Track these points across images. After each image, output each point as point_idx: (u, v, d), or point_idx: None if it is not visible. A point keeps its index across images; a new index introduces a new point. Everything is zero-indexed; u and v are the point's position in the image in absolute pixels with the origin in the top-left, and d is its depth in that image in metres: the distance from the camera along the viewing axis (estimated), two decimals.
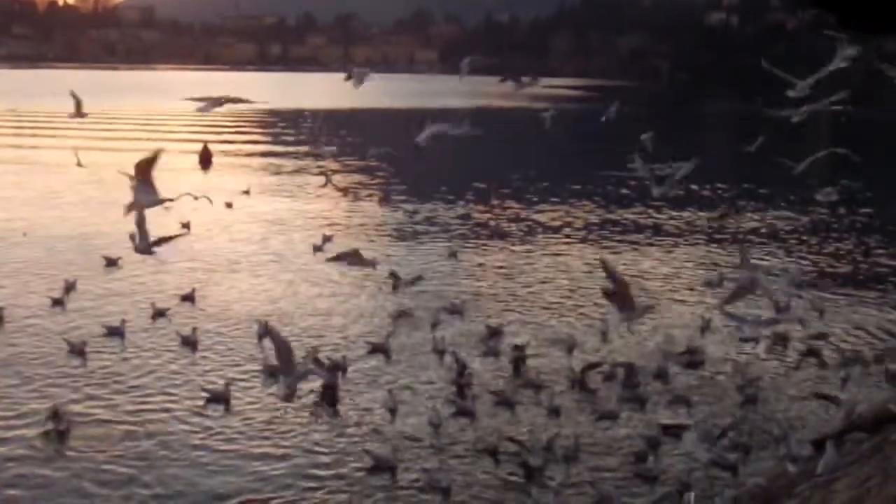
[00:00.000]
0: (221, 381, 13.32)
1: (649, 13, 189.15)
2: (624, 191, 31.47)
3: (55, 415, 11.94)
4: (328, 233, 23.13)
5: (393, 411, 12.70)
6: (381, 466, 11.09)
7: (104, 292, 18.09)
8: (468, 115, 15.86)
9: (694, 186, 30.50)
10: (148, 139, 45.33)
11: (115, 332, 15.44)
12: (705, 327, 16.08)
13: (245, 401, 12.97)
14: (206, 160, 38.85)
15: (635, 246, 23.56)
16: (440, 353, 14.85)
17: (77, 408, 12.48)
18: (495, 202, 28.77)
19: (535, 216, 27.37)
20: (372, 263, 12.92)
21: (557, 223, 26.37)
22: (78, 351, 14.58)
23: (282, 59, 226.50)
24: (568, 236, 24.59)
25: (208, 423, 12.29)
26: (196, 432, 12.01)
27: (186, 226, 22.41)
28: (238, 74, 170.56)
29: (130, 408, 12.64)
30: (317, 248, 21.91)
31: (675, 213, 27.79)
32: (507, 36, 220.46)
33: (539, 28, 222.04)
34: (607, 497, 10.43)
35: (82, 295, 17.72)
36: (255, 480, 10.80)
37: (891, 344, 15.61)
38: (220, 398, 12.93)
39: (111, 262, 20.03)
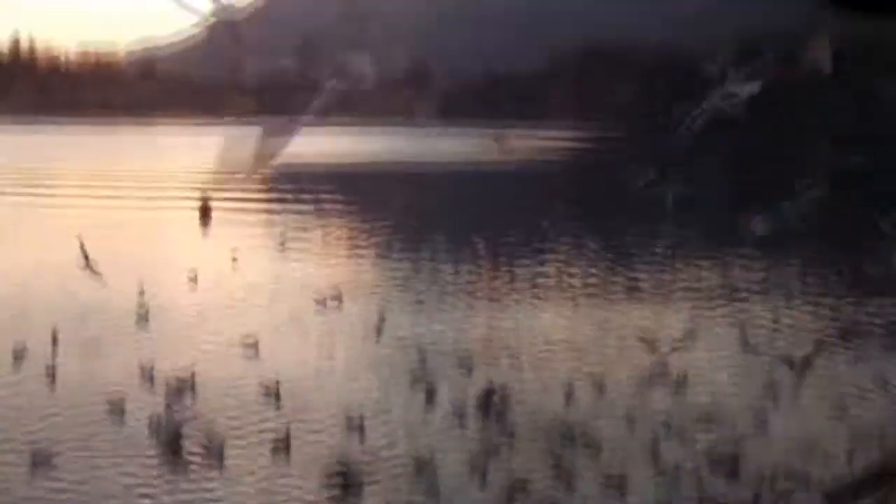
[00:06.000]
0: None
1: (649, 61, 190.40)
2: (630, 249, 31.29)
3: None
4: (333, 289, 23.05)
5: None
6: None
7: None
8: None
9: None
10: (148, 198, 45.45)
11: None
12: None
13: None
14: (205, 214, 39.04)
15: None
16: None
17: None
18: (498, 258, 28.55)
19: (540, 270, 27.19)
20: None
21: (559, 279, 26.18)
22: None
23: (281, 112, 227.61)
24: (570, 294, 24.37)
25: None
26: None
27: (194, 278, 22.34)
28: (238, 129, 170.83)
29: None
30: (319, 303, 22.02)
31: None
32: (507, 87, 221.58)
33: (538, 78, 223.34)
34: None
35: None
36: None
37: None
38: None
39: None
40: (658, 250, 29.94)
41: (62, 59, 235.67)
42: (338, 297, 22.52)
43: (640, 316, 21.48)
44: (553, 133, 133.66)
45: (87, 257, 21.61)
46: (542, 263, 28.54)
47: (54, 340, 18.35)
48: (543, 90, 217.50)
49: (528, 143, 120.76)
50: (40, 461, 12.76)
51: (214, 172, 63.24)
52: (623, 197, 37.14)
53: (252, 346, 18.44)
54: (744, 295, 24.01)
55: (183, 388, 15.72)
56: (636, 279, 26.19)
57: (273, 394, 15.50)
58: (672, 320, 20.73)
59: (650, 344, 17.68)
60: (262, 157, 15.45)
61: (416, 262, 28.32)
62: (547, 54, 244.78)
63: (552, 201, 41.26)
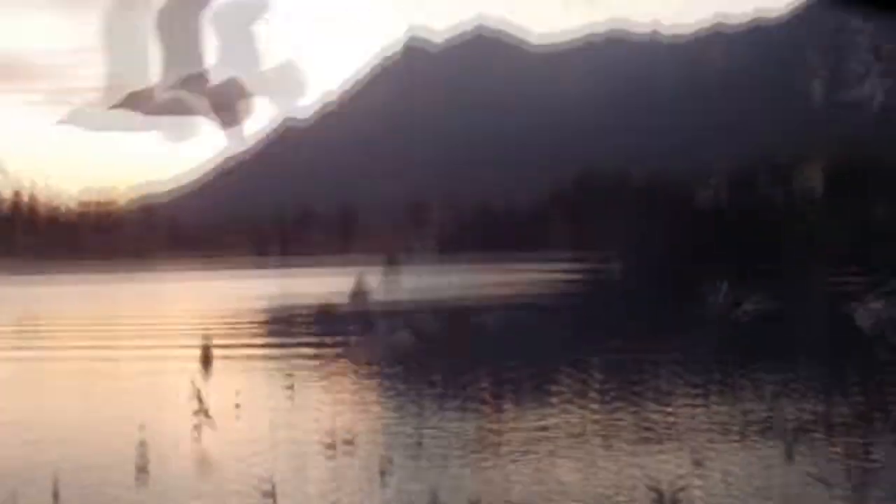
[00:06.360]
0: None
1: (642, 193, 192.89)
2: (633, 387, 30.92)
3: None
4: (338, 434, 22.75)
5: None
6: None
7: None
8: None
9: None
10: (150, 347, 45.31)
11: None
12: None
13: None
14: (206, 360, 38.88)
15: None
16: None
17: None
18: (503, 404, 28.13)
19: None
20: None
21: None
22: None
23: (281, 254, 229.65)
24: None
25: None
26: None
27: (206, 412, 22.36)
28: (238, 272, 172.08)
29: None
30: (329, 447, 21.75)
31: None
32: (505, 221, 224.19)
33: (535, 212, 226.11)
34: None
35: None
36: None
37: None
38: None
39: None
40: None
41: (62, 208, 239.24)
42: (348, 442, 22.27)
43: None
44: (551, 266, 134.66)
45: (201, 401, 22.00)
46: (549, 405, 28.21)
47: (55, 495, 18.07)
48: (541, 223, 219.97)
49: (526, 276, 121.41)
50: None
51: (215, 317, 63.39)
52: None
53: (268, 495, 18.06)
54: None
55: None
56: (651, 421, 25.84)
57: None
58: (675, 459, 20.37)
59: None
60: (359, 295, 15.91)
61: (420, 406, 28.01)
62: (544, 187, 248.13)
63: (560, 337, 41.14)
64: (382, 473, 19.52)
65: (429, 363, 35.41)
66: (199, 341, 41.71)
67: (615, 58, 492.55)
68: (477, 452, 22.09)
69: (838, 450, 20.59)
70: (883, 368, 30.38)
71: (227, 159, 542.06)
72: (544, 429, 24.68)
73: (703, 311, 43.44)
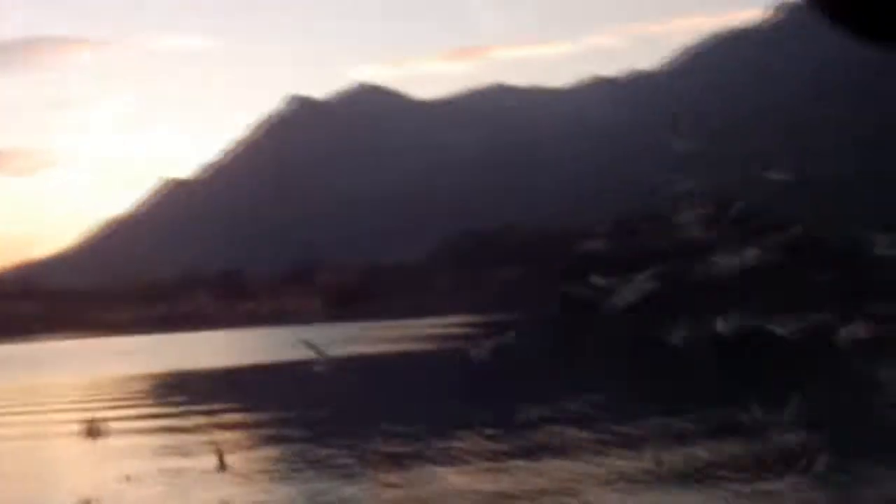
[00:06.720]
0: None
1: (527, 244, 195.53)
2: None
3: None
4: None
5: None
6: None
7: None
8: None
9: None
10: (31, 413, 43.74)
11: None
12: None
13: None
14: (93, 432, 37.76)
15: None
16: None
17: None
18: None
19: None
20: None
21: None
22: None
23: (165, 319, 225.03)
24: None
25: None
26: None
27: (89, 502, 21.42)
28: (121, 339, 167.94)
29: None
30: None
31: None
32: (390, 278, 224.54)
33: (422, 268, 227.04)
34: None
35: None
36: None
37: None
38: None
39: None
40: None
41: None
42: None
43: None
44: (438, 321, 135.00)
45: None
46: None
47: None
48: (427, 278, 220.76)
49: (413, 331, 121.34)
50: None
51: (98, 387, 61.67)
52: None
53: None
54: None
55: None
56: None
57: None
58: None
59: None
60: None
61: (314, 464, 27.55)
62: (430, 244, 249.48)
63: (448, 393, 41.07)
64: None
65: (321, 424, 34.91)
66: (83, 412, 40.49)
67: (499, 108, 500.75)
68: None
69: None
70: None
71: (110, 221, 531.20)
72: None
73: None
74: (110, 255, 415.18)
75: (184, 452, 31.73)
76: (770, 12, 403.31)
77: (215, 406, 44.18)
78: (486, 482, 23.60)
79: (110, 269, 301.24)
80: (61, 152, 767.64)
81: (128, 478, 26.62)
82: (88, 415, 39.86)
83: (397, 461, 26.73)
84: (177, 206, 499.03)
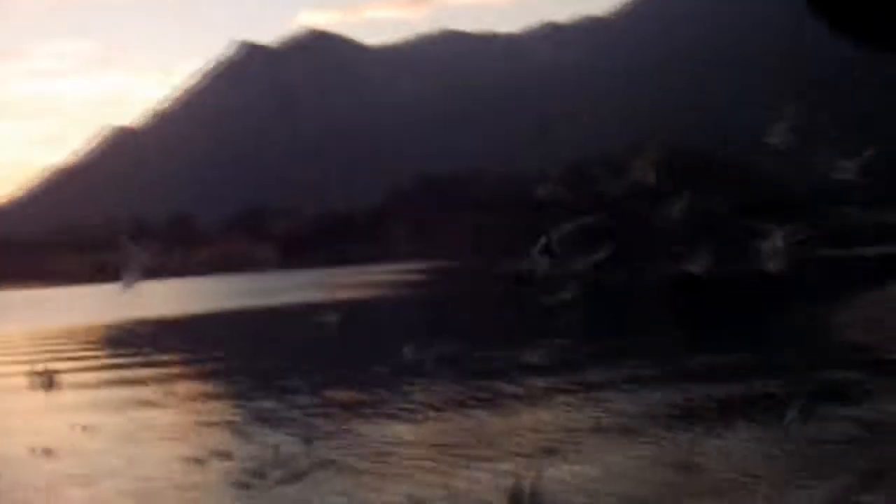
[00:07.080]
0: None
1: (482, 191, 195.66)
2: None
3: None
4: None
5: None
6: None
7: None
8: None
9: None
10: None
11: None
12: None
13: None
14: (48, 382, 37.36)
15: None
16: None
17: None
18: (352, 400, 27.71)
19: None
20: None
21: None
22: None
23: (113, 267, 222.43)
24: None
25: None
26: None
27: (48, 451, 21.29)
28: (72, 289, 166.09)
29: None
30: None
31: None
32: (345, 224, 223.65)
33: (376, 214, 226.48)
34: None
35: None
36: None
37: None
38: None
39: None
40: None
41: None
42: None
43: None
44: (391, 268, 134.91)
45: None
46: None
47: None
48: (381, 226, 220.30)
49: (367, 278, 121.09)
50: None
51: (50, 337, 61.03)
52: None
53: None
54: None
55: None
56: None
57: None
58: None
59: None
60: None
61: (270, 408, 27.47)
62: (382, 191, 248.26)
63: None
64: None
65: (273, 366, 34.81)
66: (37, 361, 40.02)
67: (449, 54, 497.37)
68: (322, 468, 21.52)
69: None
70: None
71: (55, 171, 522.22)
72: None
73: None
74: (55, 204, 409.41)
75: (139, 403, 31.55)
76: None
77: (165, 357, 43.97)
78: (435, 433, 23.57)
79: (55, 218, 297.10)
80: (2, 100, 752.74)
81: (84, 428, 26.40)
82: (40, 367, 39.43)
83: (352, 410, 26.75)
84: (122, 154, 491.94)
